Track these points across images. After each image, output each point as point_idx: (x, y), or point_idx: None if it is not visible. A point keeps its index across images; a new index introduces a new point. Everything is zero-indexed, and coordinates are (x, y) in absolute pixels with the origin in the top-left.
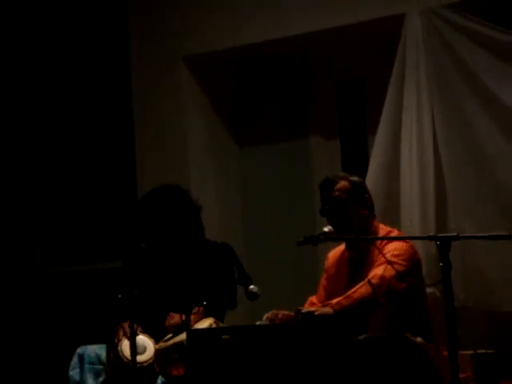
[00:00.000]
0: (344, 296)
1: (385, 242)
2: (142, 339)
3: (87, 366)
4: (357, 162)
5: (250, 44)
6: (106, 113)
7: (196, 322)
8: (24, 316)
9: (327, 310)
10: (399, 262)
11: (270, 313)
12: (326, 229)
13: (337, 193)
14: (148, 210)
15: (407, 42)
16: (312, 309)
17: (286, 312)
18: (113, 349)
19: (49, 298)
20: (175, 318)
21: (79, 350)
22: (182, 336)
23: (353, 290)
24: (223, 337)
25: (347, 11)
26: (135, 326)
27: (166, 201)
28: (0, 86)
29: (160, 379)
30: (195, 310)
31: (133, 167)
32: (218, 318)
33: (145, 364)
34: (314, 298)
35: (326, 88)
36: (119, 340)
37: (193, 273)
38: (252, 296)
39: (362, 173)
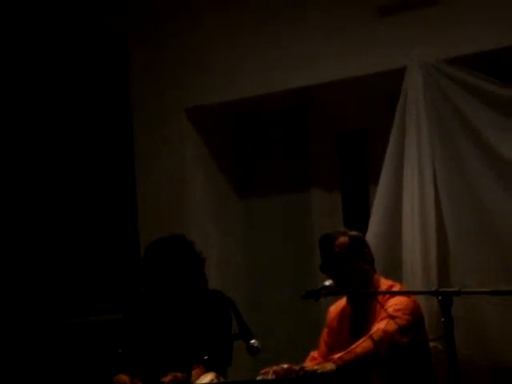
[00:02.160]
0: (346, 351)
1: (387, 296)
2: None
3: None
4: (358, 213)
5: (250, 97)
6: (107, 165)
7: (197, 377)
8: (22, 369)
9: (330, 366)
10: (401, 316)
11: (274, 368)
12: (327, 283)
13: (337, 249)
14: (152, 259)
15: (408, 96)
16: (315, 367)
17: (285, 366)
18: None
19: (48, 350)
20: (175, 374)
21: None
22: None
23: (355, 345)
24: None
25: (347, 65)
26: (135, 380)
27: (170, 251)
28: None
29: None
30: (196, 366)
31: (134, 220)
32: (220, 372)
33: None
34: (315, 353)
35: (327, 140)
36: None
37: (193, 327)
38: (253, 351)
39: (364, 225)
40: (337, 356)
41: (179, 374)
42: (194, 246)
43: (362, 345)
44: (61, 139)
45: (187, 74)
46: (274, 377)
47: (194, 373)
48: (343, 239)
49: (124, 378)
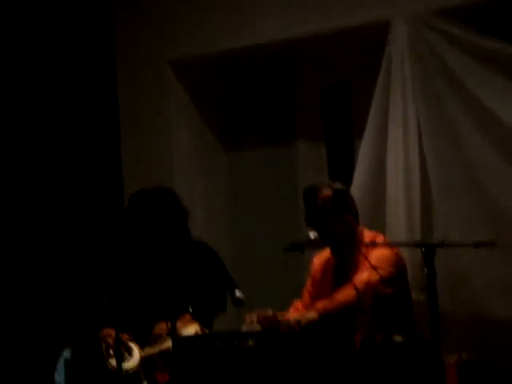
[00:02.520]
0: (329, 299)
1: (370, 248)
2: (128, 346)
3: (72, 369)
4: (343, 166)
5: (234, 48)
6: (92, 118)
7: (182, 327)
8: (8, 319)
9: (312, 314)
10: (384, 267)
11: (256, 314)
12: (311, 235)
13: (320, 202)
14: (137, 210)
15: (393, 49)
16: (298, 318)
17: (270, 312)
18: (97, 355)
19: (36, 300)
20: (160, 326)
21: (65, 354)
22: (168, 343)
23: (338, 294)
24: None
25: (333, 16)
26: (121, 332)
27: (154, 202)
28: None
29: None
30: (182, 315)
31: (119, 173)
32: (206, 322)
33: (130, 371)
34: (298, 303)
35: (312, 93)
36: (107, 347)
37: (179, 278)
38: (238, 302)
39: (349, 177)
40: (319, 304)
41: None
42: (178, 197)
43: (345, 293)
44: (44, 91)
45: (171, 26)
46: (259, 327)
47: (178, 323)
48: (327, 192)
49: (110, 331)
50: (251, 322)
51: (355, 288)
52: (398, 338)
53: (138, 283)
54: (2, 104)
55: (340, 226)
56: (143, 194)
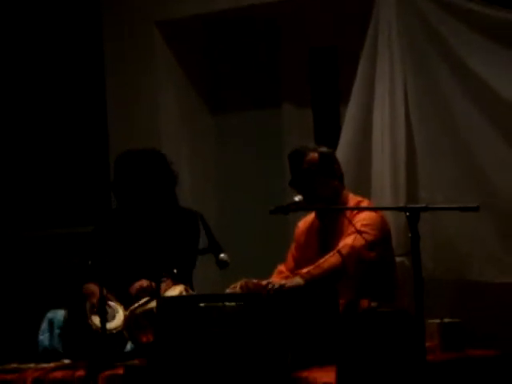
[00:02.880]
0: (314, 266)
1: (355, 211)
2: (112, 306)
3: (57, 330)
4: (329, 130)
5: (221, 10)
6: (77, 77)
7: (166, 289)
8: None
9: (297, 280)
10: (369, 231)
11: (241, 282)
12: (296, 198)
13: (306, 165)
14: (124, 171)
15: (380, 13)
16: (282, 282)
17: (255, 281)
18: (80, 314)
19: (19, 262)
20: (140, 282)
21: (49, 315)
22: (152, 303)
23: (322, 260)
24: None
25: None
26: (105, 292)
27: (143, 164)
28: None
29: (129, 345)
30: (165, 279)
31: (105, 133)
32: (188, 284)
33: (114, 331)
34: (282, 267)
35: (298, 55)
36: (90, 306)
37: (163, 240)
38: (222, 264)
39: (334, 141)
40: (304, 270)
41: (146, 283)
42: (167, 160)
43: (330, 259)
44: (34, 52)
45: None
46: (241, 291)
47: (162, 285)
48: (313, 155)
49: (93, 287)
50: (234, 287)
51: (340, 254)
52: (380, 307)
53: (123, 245)
54: None
55: (325, 189)
56: (131, 156)
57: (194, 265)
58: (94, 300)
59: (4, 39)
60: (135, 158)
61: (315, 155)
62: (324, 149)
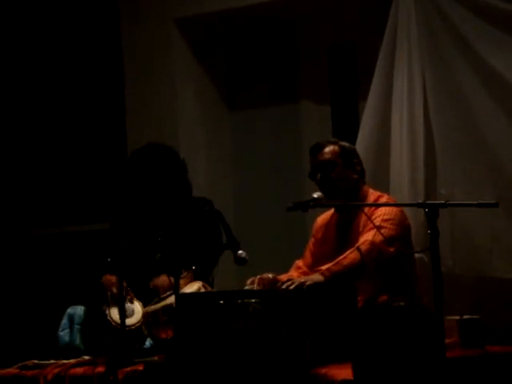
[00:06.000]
0: (334, 262)
1: (374, 207)
2: (131, 302)
3: (76, 326)
4: (347, 127)
5: (240, 7)
6: (96, 75)
7: (185, 285)
8: (13, 277)
9: (317, 277)
10: (388, 226)
11: (256, 278)
12: (315, 195)
13: (326, 156)
14: (136, 167)
15: (399, 8)
16: (302, 279)
17: (270, 275)
18: (99, 311)
19: (39, 259)
20: (161, 278)
21: (69, 311)
22: (171, 299)
23: (342, 257)
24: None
25: None
26: (125, 284)
27: (152, 159)
28: None
29: (148, 342)
30: (184, 273)
31: (123, 131)
32: (206, 281)
33: (133, 327)
34: (300, 262)
35: (317, 52)
36: (111, 297)
37: (181, 236)
38: (240, 261)
39: (353, 138)
40: (324, 267)
41: (167, 279)
42: (176, 153)
43: (350, 256)
44: (54, 48)
45: None
46: (259, 287)
47: (181, 281)
48: (333, 147)
49: (111, 277)
50: (252, 282)
51: (359, 250)
52: (400, 303)
53: (141, 241)
54: None
55: (344, 182)
56: (140, 151)
57: (216, 263)
58: (115, 290)
59: (26, 35)
60: (145, 153)
61: (336, 147)
62: (345, 143)
